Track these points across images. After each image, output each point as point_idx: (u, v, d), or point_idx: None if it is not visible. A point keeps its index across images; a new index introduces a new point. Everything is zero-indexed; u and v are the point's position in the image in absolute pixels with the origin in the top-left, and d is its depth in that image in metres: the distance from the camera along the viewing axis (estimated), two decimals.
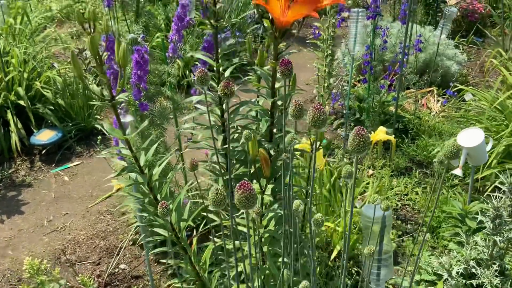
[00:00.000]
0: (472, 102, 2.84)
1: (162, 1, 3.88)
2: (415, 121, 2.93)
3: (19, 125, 2.85)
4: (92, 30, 1.16)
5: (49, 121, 2.96)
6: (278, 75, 0.93)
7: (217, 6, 1.25)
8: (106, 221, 2.38)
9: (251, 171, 1.28)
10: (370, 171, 2.59)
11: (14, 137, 2.79)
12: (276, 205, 1.31)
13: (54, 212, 2.46)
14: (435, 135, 2.83)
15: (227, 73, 1.37)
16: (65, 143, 2.95)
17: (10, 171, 2.75)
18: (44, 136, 2.86)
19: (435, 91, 3.34)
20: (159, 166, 1.41)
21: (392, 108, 2.96)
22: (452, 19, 2.99)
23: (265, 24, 1.19)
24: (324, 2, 1.18)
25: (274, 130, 1.38)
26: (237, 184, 0.63)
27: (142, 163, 1.34)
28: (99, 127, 3.17)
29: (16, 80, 2.91)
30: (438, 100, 3.30)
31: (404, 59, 2.61)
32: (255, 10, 1.18)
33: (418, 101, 3.18)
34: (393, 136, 2.31)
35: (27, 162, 2.84)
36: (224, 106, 1.37)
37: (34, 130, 2.90)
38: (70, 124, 3.01)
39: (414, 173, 2.59)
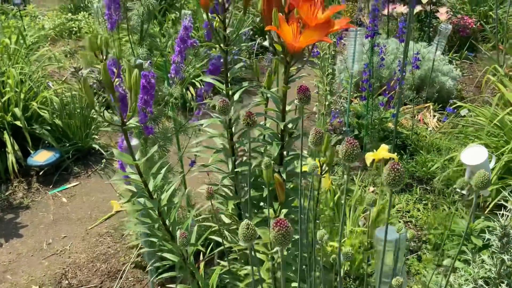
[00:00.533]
0: (468, 117, 2.86)
1: (157, 20, 3.89)
2: (412, 137, 2.95)
3: (16, 146, 2.81)
4: (104, 57, 1.15)
5: (46, 142, 2.92)
6: (296, 101, 0.93)
7: (228, 31, 1.25)
8: (106, 243, 2.34)
9: (263, 195, 1.28)
10: (371, 188, 2.59)
11: (10, 158, 2.75)
12: None
13: (53, 235, 2.42)
14: (433, 150, 2.84)
15: (236, 96, 1.37)
16: (62, 163, 2.92)
17: (7, 193, 2.71)
18: (41, 157, 2.83)
19: (431, 107, 3.37)
20: (167, 191, 1.39)
21: (390, 124, 2.97)
22: (447, 35, 3.02)
23: (277, 49, 1.19)
24: (335, 27, 1.18)
25: (284, 153, 1.38)
26: (273, 221, 0.62)
27: (151, 188, 1.33)
28: (97, 147, 3.14)
29: (12, 100, 2.89)
30: (434, 116, 3.32)
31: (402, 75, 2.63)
32: (267, 36, 1.18)
33: (415, 117, 3.20)
34: (396, 154, 2.31)
35: (24, 184, 2.80)
36: (233, 129, 1.37)
37: (31, 151, 2.86)
38: (68, 144, 2.97)
39: (415, 189, 2.60)
